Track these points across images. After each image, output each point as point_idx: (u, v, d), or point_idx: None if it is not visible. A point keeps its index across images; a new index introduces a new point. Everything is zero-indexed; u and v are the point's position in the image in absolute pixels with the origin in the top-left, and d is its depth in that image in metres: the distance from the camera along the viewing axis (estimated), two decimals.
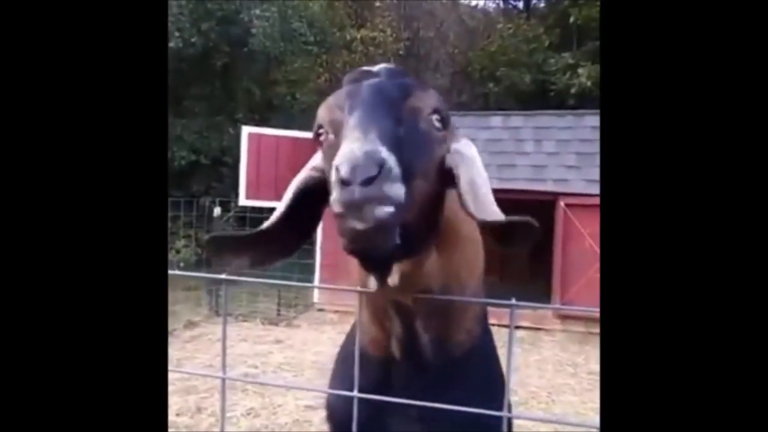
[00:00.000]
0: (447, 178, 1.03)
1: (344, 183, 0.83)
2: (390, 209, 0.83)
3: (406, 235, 0.89)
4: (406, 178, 0.87)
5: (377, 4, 16.46)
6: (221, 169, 11.26)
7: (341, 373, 1.40)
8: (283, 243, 1.14)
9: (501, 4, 17.40)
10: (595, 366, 5.92)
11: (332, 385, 1.41)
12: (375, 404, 1.14)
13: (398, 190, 0.84)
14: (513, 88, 13.19)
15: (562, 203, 7.15)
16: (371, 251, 0.89)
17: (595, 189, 7.17)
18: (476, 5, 18.27)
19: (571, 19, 12.38)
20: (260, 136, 7.95)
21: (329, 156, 0.98)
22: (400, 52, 15.69)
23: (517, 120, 7.98)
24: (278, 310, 7.55)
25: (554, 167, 7.48)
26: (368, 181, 0.82)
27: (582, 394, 5.02)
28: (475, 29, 16.98)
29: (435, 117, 1.01)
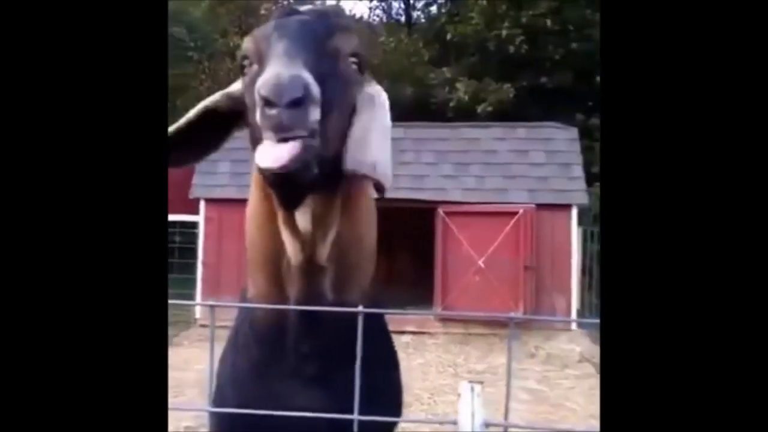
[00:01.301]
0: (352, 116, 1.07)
1: (269, 104, 0.85)
2: (314, 133, 0.88)
3: (320, 166, 0.93)
4: (324, 110, 0.90)
5: (262, 11, 16.25)
6: None
7: (231, 353, 1.37)
8: (177, 153, 1.18)
9: (384, 17, 17.89)
10: (475, 365, 6.24)
11: (221, 366, 1.38)
12: (267, 378, 1.20)
13: (318, 115, 0.89)
14: (395, 100, 13.45)
15: (441, 211, 7.48)
16: (293, 175, 0.90)
17: (472, 197, 7.59)
18: (360, 18, 18.64)
19: (449, 36, 12.99)
20: None
21: (251, 85, 0.99)
22: None
23: (397, 131, 8.24)
24: None
25: (433, 177, 7.81)
26: (294, 103, 0.85)
27: None
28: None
29: (353, 59, 1.06)
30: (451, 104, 12.10)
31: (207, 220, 7.59)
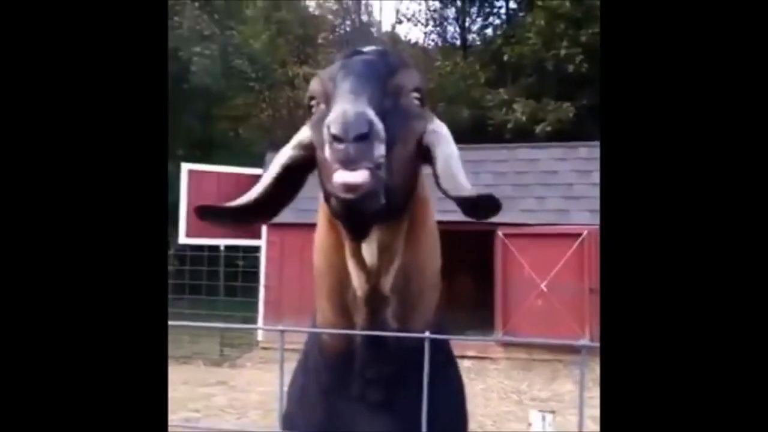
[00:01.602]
0: (424, 154, 1.13)
1: (336, 139, 0.92)
2: (380, 166, 0.94)
3: (386, 197, 0.98)
4: (388, 144, 0.96)
5: (319, 41, 16.72)
6: None
7: (301, 377, 1.41)
8: (264, 213, 1.25)
9: (439, 42, 18.02)
10: (539, 392, 6.04)
11: (291, 389, 1.43)
12: (335, 402, 1.23)
13: (383, 150, 0.94)
14: (452, 123, 13.34)
15: (500, 233, 7.35)
16: (360, 206, 0.96)
17: (531, 218, 7.43)
18: (416, 43, 18.85)
19: (505, 57, 12.93)
20: (201, 173, 7.87)
21: (319, 124, 1.05)
22: None
23: None
24: (221, 351, 7.36)
25: None
26: (360, 138, 0.91)
27: (526, 420, 5.10)
28: (415, 66, 17.44)
29: (415, 95, 1.12)
30: (509, 125, 11.98)
31: (269, 243, 7.75)
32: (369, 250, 1.14)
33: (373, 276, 1.16)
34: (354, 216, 1.03)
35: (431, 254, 1.27)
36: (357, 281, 1.17)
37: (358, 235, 1.11)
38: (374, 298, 1.18)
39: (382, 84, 1.05)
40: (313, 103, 1.14)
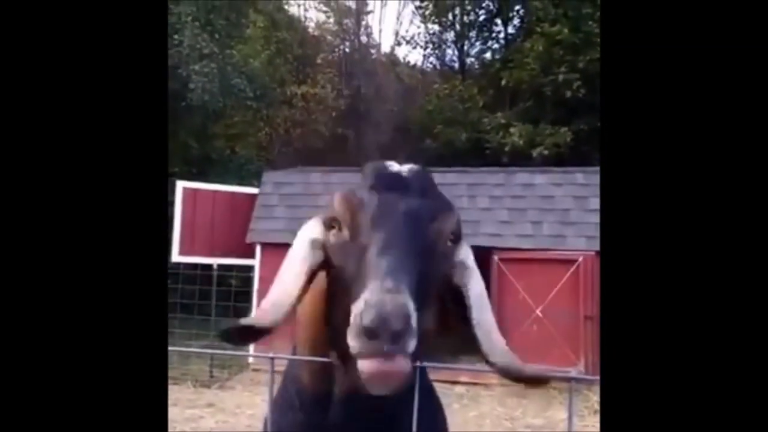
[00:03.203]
0: (454, 294, 1.06)
1: (370, 334, 0.83)
2: (408, 362, 0.85)
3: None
4: (421, 306, 0.88)
5: (318, 61, 16.84)
6: None
7: (279, 412, 1.34)
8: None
9: (437, 65, 18.17)
10: (533, 419, 5.95)
11: (273, 405, 1.37)
12: (314, 426, 1.17)
13: (414, 344, 0.85)
14: (450, 145, 13.63)
15: (496, 257, 7.31)
16: (393, 389, 0.89)
17: (527, 243, 7.40)
18: (414, 65, 19.00)
19: (503, 81, 13.03)
20: (195, 190, 7.82)
21: (337, 253, 1.01)
22: (342, 108, 16.00)
23: (451, 176, 8.20)
24: (211, 372, 7.25)
25: (488, 222, 7.69)
26: (396, 337, 0.82)
27: None
28: (413, 88, 17.60)
29: (451, 237, 1.04)
30: (506, 149, 12.02)
31: (263, 264, 7.69)
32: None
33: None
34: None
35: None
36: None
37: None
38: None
39: (422, 238, 0.96)
40: (334, 224, 1.04)
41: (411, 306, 0.84)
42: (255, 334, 1.05)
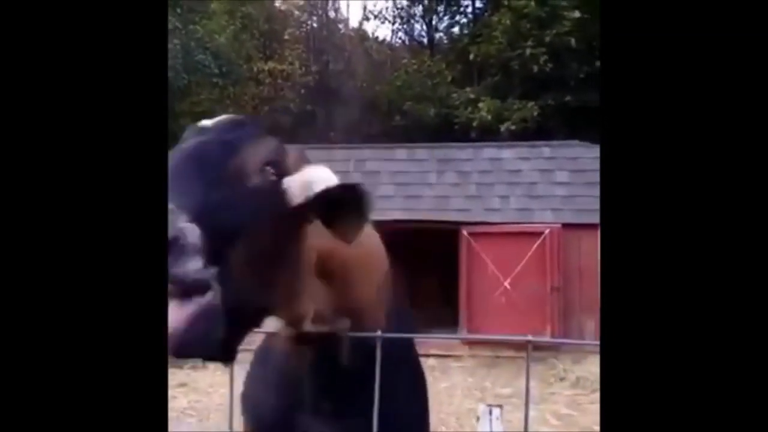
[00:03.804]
0: (295, 211, 0.99)
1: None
2: (202, 285, 0.81)
3: (240, 310, 0.87)
4: (223, 247, 0.84)
5: (285, 36, 16.57)
6: None
7: (257, 369, 1.40)
8: None
9: (406, 40, 18.06)
10: (502, 389, 6.12)
11: (247, 381, 1.41)
12: (287, 403, 1.22)
13: (195, 265, 0.81)
14: (419, 121, 13.64)
15: (464, 232, 7.41)
16: (187, 356, 0.87)
17: (496, 217, 7.52)
18: (383, 40, 18.84)
19: (471, 56, 13.03)
20: None
21: None
22: (310, 85, 15.82)
23: (421, 152, 8.24)
24: None
25: (456, 197, 7.77)
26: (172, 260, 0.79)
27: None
28: (381, 63, 17.48)
29: (269, 168, 0.98)
30: (474, 124, 12.09)
31: None
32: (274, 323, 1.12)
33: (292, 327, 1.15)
34: (183, 357, 0.87)
35: (361, 287, 1.21)
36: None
37: (223, 360, 0.94)
38: (318, 317, 1.14)
39: (212, 173, 0.90)
40: None
41: (181, 227, 0.81)
42: None
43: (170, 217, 0.81)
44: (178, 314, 0.81)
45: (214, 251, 0.82)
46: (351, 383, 1.19)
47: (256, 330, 1.06)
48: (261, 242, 0.92)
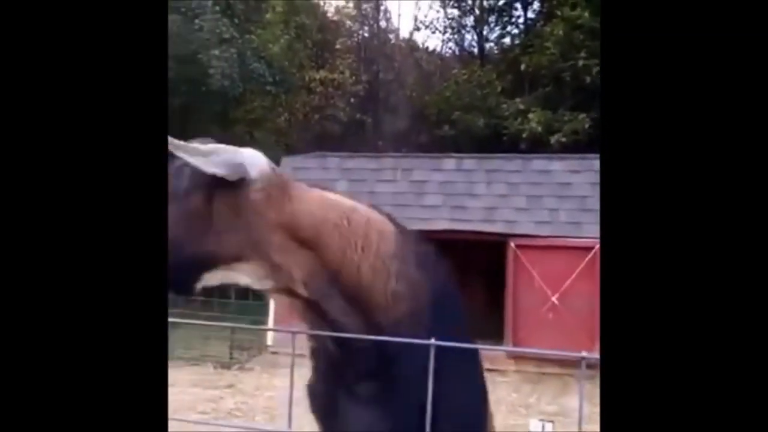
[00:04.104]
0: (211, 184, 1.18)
1: None
2: None
3: (180, 250, 1.09)
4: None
5: (337, 46, 16.81)
6: None
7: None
8: None
9: (456, 50, 18.03)
10: (547, 406, 6.00)
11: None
12: (330, 392, 1.34)
13: None
14: (467, 131, 13.57)
15: (512, 244, 7.32)
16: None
17: (544, 230, 7.39)
18: (433, 50, 18.86)
19: (522, 67, 12.90)
20: None
21: None
22: (360, 94, 15.99)
23: (469, 162, 8.20)
24: (231, 354, 7.39)
25: (504, 209, 7.69)
26: None
27: None
28: (431, 73, 17.49)
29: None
30: (524, 135, 11.94)
31: None
32: (256, 284, 1.27)
33: (289, 292, 1.28)
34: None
35: (351, 254, 1.29)
36: (286, 300, 1.32)
37: (181, 293, 1.21)
38: (308, 307, 1.29)
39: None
40: None
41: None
42: None
43: None
44: None
45: None
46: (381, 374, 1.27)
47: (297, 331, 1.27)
48: (188, 204, 1.17)
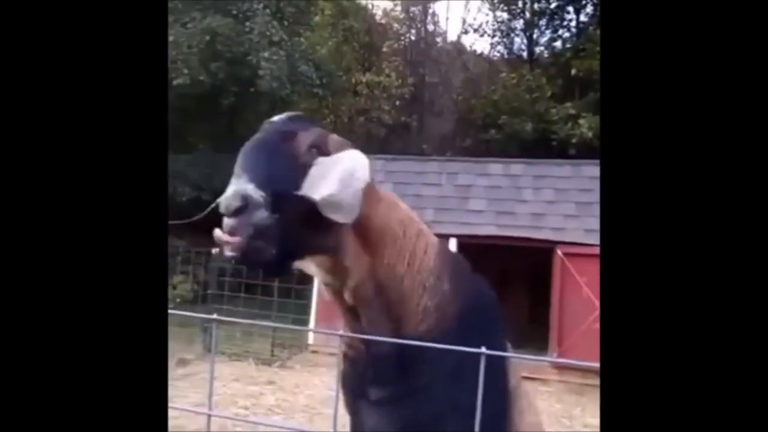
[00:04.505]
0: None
1: (223, 215, 1.18)
2: (262, 227, 1.17)
3: (290, 238, 1.21)
4: (280, 201, 1.19)
5: (384, 49, 16.85)
6: None
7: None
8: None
9: (505, 53, 17.81)
10: (591, 419, 5.81)
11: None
12: (355, 400, 1.43)
13: (263, 215, 1.18)
14: (515, 136, 13.37)
15: (559, 252, 7.15)
16: (247, 259, 1.21)
17: (593, 239, 7.18)
18: (481, 53, 18.70)
19: (573, 71, 12.64)
20: None
21: None
22: (406, 97, 15.97)
23: (516, 168, 8.06)
24: (272, 351, 7.46)
25: (553, 216, 7.51)
26: (235, 212, 1.17)
27: None
28: (479, 77, 17.33)
29: (314, 150, 1.29)
30: (573, 141, 11.68)
31: None
32: (320, 275, 1.36)
33: (336, 292, 1.37)
34: (248, 264, 1.29)
35: (402, 259, 1.37)
36: (331, 299, 1.41)
37: (273, 274, 1.31)
38: (347, 310, 1.37)
39: (271, 154, 1.25)
40: None
41: (250, 189, 1.18)
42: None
43: (240, 183, 1.19)
44: (241, 237, 1.18)
45: (275, 205, 1.19)
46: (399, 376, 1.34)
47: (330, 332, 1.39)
48: (301, 207, 1.24)
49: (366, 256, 1.33)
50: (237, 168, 1.23)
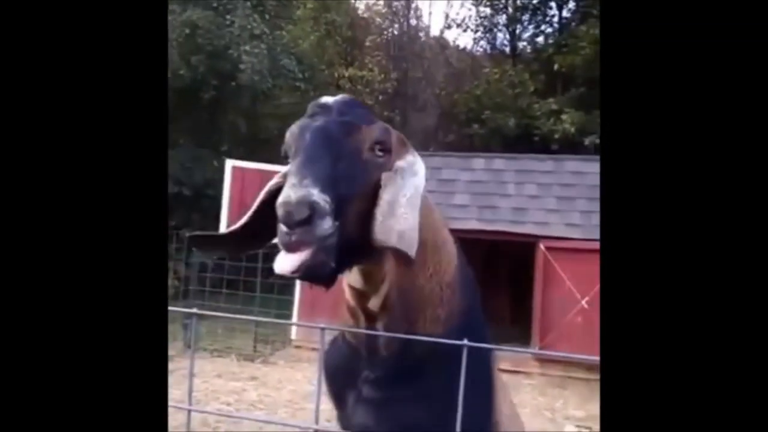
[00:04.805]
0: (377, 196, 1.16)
1: (283, 223, 1.00)
2: (324, 239, 1.01)
3: (347, 249, 1.07)
4: (342, 206, 1.05)
5: (367, 43, 16.79)
6: (203, 201, 11.21)
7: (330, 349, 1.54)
8: (254, 239, 1.27)
9: (488, 48, 17.85)
10: (573, 411, 5.86)
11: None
12: (340, 393, 1.38)
13: (329, 224, 1.02)
14: (497, 131, 13.42)
15: (542, 246, 7.19)
16: (308, 275, 1.06)
17: (576, 233, 7.24)
18: (464, 48, 18.72)
19: (556, 66, 12.71)
20: (244, 169, 7.95)
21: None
22: (389, 91, 15.94)
23: (499, 162, 8.08)
24: (255, 346, 7.42)
25: (535, 210, 7.55)
26: (302, 223, 0.99)
27: None
28: (462, 72, 17.36)
29: (377, 147, 1.17)
30: (556, 136, 11.76)
31: None
32: (354, 278, 1.26)
33: (362, 297, 1.28)
34: (307, 279, 1.09)
35: (425, 275, 1.31)
36: (351, 300, 1.31)
37: (325, 285, 1.13)
38: (367, 315, 1.30)
39: (335, 150, 1.09)
40: (287, 155, 1.17)
41: (316, 194, 1.00)
42: (207, 240, 1.33)
43: (305, 187, 1.01)
44: (292, 260, 1.02)
45: (337, 210, 1.03)
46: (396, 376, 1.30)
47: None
48: (366, 205, 1.13)
49: (399, 267, 1.25)
50: (297, 165, 1.04)
